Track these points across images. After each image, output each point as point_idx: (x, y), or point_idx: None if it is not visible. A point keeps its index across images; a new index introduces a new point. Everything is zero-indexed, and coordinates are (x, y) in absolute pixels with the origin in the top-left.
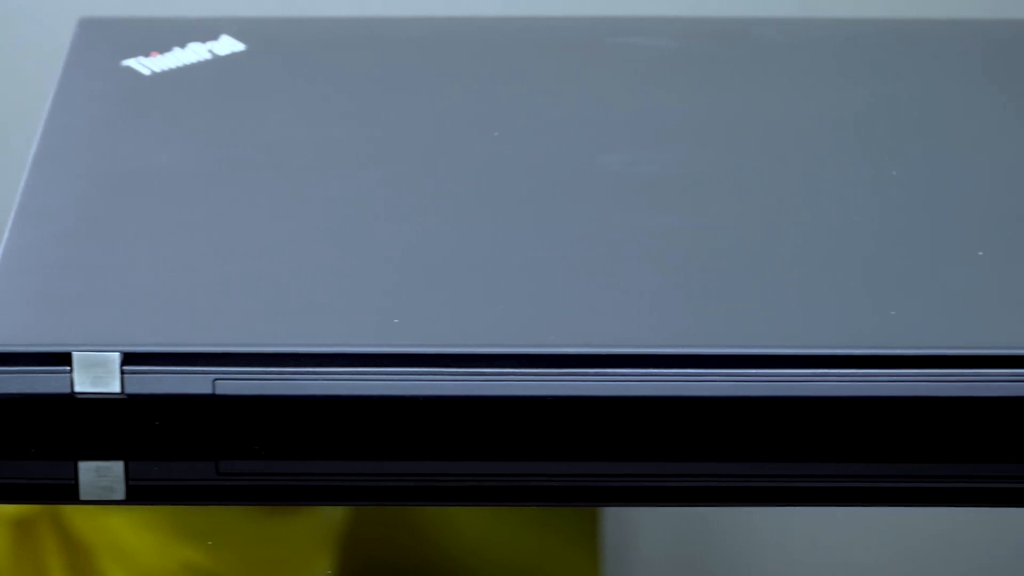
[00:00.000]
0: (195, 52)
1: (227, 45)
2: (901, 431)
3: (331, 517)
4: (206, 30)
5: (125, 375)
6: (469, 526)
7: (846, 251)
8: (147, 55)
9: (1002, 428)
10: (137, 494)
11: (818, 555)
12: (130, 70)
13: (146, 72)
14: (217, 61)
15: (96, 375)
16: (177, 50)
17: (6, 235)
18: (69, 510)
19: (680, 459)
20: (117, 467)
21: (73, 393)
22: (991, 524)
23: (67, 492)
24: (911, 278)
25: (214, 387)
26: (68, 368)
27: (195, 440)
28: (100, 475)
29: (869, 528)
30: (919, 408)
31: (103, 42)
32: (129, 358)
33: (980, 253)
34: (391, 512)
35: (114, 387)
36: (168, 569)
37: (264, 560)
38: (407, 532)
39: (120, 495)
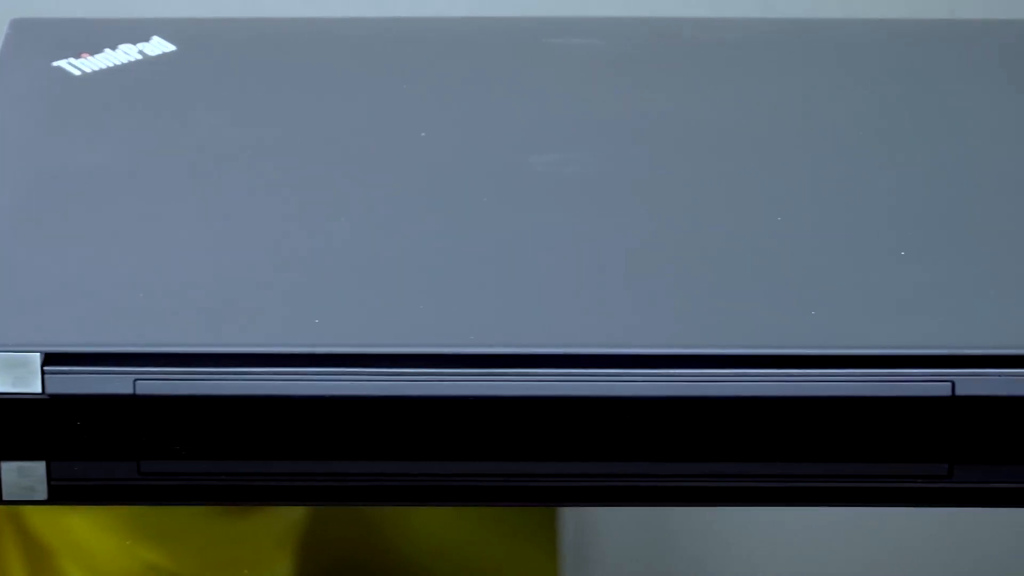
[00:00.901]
0: (126, 53)
1: (158, 46)
2: (829, 430)
3: (291, 517)
4: (137, 31)
5: (46, 375)
6: (429, 526)
7: (770, 252)
8: (78, 56)
9: (922, 427)
10: (59, 494)
11: (777, 553)
12: (61, 71)
13: (77, 73)
14: (147, 62)
15: (17, 375)
16: (108, 51)
17: None
18: (29, 511)
19: (635, 459)
20: (39, 467)
21: None
22: (908, 522)
23: None
24: (833, 278)
25: (135, 387)
26: None
27: (117, 440)
28: (22, 475)
29: (827, 526)
30: (844, 407)
31: (34, 43)
32: (50, 358)
33: (903, 253)
34: (352, 512)
35: (35, 387)
36: (129, 570)
37: (224, 560)
38: (368, 532)
39: (42, 495)
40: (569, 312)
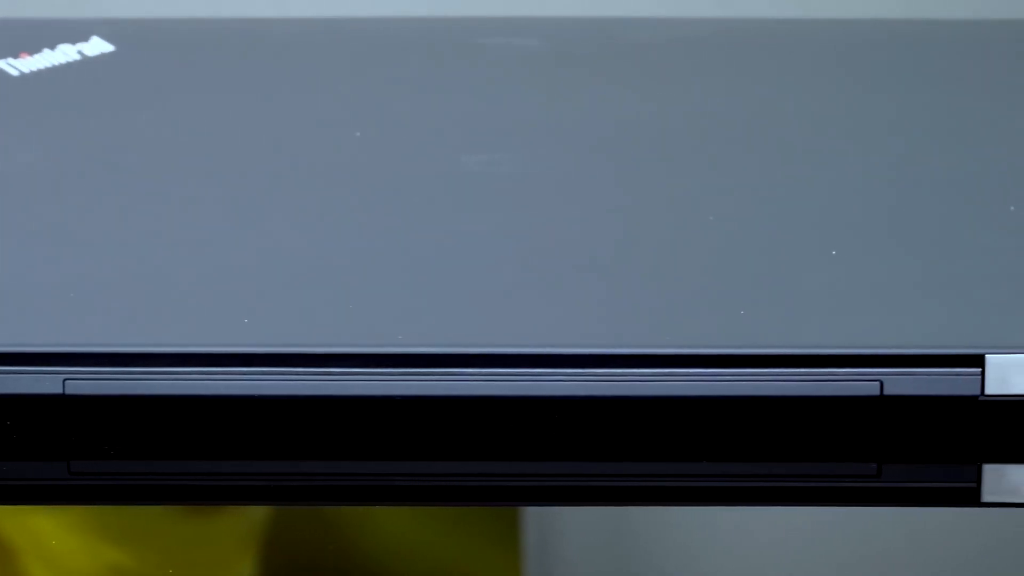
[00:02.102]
0: (64, 53)
1: (97, 46)
2: (757, 430)
3: (254, 518)
4: (76, 31)
5: None
6: (392, 526)
7: (700, 251)
8: (16, 56)
9: (850, 427)
10: None
11: (740, 553)
12: None
13: (15, 73)
14: (86, 62)
15: None
16: (47, 51)
17: None
18: None
19: (591, 459)
20: None
21: None
22: (841, 522)
23: None
24: (762, 278)
25: (64, 387)
26: None
27: (46, 440)
28: None
29: (798, 528)
30: (773, 407)
31: None
32: None
33: (833, 252)
34: (315, 513)
35: None
36: (93, 570)
37: (188, 561)
38: (331, 532)
39: None
40: (501, 311)
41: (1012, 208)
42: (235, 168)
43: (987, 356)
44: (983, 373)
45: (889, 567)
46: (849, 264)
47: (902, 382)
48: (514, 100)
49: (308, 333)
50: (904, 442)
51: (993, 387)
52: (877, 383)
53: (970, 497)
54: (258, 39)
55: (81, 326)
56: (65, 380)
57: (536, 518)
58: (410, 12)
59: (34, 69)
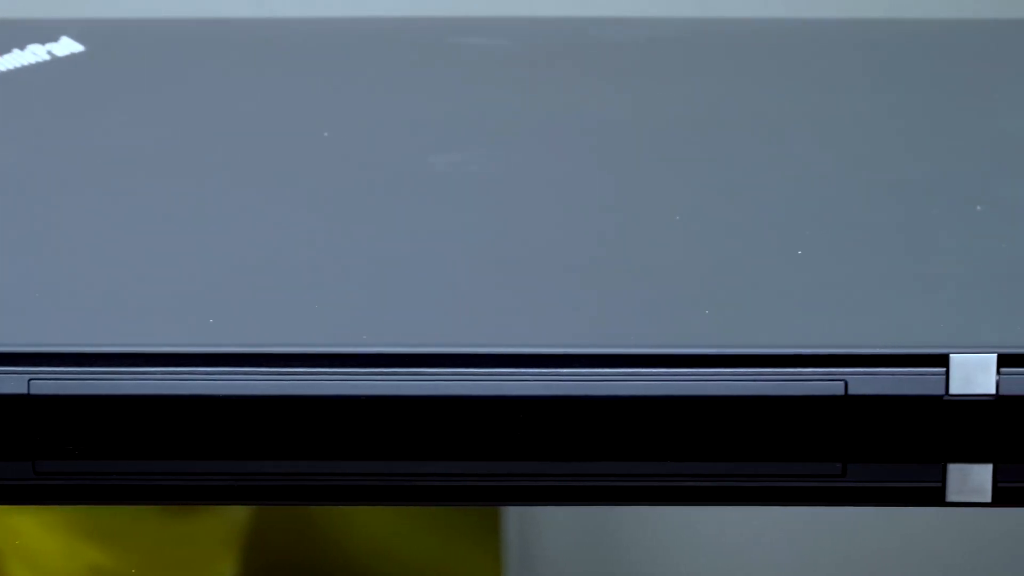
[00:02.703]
0: (34, 53)
1: (66, 47)
2: (722, 429)
3: (235, 517)
4: (46, 32)
5: None
6: (372, 526)
7: (666, 250)
8: None
9: (815, 426)
10: None
11: (719, 552)
12: None
13: None
14: (56, 62)
15: None
16: (16, 51)
17: None
18: None
19: (558, 459)
20: None
21: None
22: (801, 522)
23: None
24: (727, 277)
25: (29, 387)
26: None
27: (11, 440)
28: None
29: (773, 525)
30: (737, 407)
31: None
32: None
33: (799, 252)
34: (295, 512)
35: None
36: (73, 570)
37: (168, 561)
38: (311, 532)
39: None
40: (468, 311)
41: (979, 208)
42: (203, 168)
43: (951, 356)
44: (947, 373)
45: (856, 566)
46: (814, 264)
47: (867, 382)
48: (484, 100)
49: (273, 333)
50: (869, 442)
51: (957, 387)
52: (842, 383)
53: (935, 497)
54: (228, 39)
55: (46, 326)
56: (30, 380)
57: (516, 518)
58: (383, 12)
59: (3, 69)
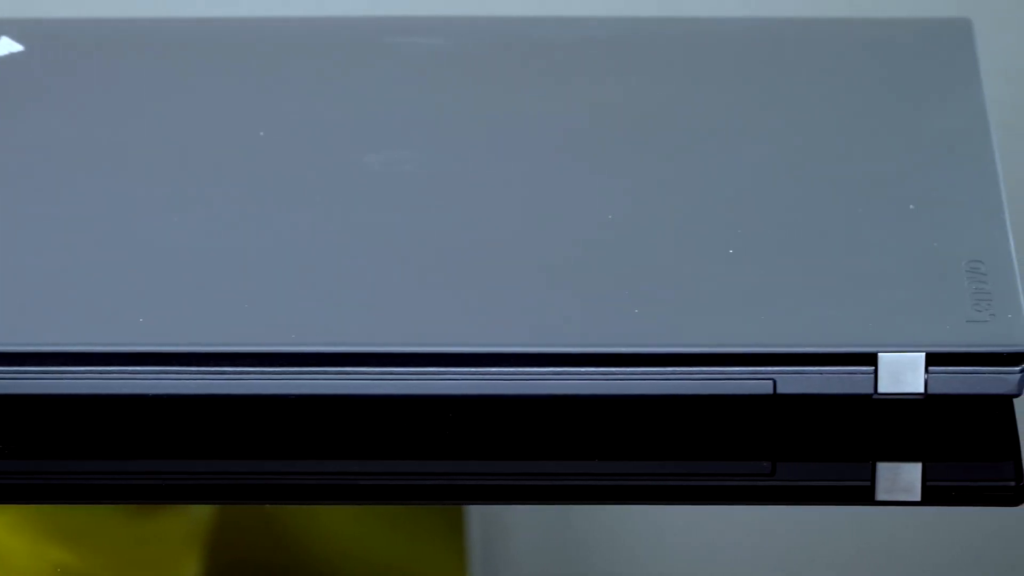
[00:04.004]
0: None
1: (6, 46)
2: (651, 428)
3: (199, 516)
4: None
5: None
6: (336, 526)
7: (594, 249)
8: None
9: (744, 425)
10: None
11: (683, 552)
12: None
13: None
14: None
15: None
16: None
17: None
18: None
19: (486, 458)
20: None
21: None
22: (736, 521)
23: None
24: (656, 276)
25: None
26: None
27: None
28: None
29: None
30: (666, 406)
31: None
32: None
33: (730, 251)
34: (259, 511)
35: None
36: (39, 570)
37: (133, 560)
38: (275, 531)
39: None
40: (397, 310)
41: (912, 207)
42: (138, 167)
43: (880, 354)
44: (876, 372)
45: (785, 565)
46: (743, 263)
47: (795, 381)
48: (420, 100)
49: (201, 332)
50: (798, 441)
51: (886, 385)
52: (770, 382)
53: (864, 495)
54: (167, 39)
55: None
56: None
57: (480, 517)
58: (322, 11)
59: None
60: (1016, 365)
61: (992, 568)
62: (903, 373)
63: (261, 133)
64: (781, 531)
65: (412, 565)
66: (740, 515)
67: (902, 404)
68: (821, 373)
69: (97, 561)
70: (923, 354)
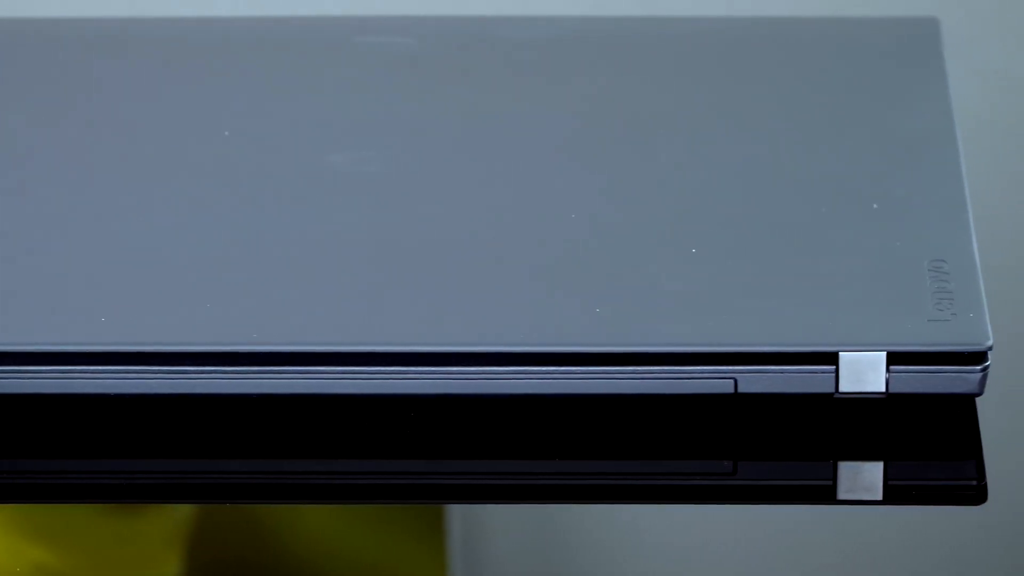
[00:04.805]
0: None
1: None
2: (613, 428)
3: (179, 516)
4: None
5: None
6: (317, 525)
7: (557, 248)
8: None
9: (705, 425)
10: None
11: (663, 552)
12: None
13: None
14: None
15: None
16: None
17: None
18: None
19: (450, 457)
20: None
21: None
22: (697, 520)
23: None
24: (618, 275)
25: None
26: None
27: None
28: None
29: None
30: (628, 405)
31: None
32: None
33: (693, 251)
34: (239, 510)
35: None
36: (18, 570)
37: (112, 560)
38: (255, 530)
39: None
40: (360, 310)
41: (875, 206)
42: (101, 167)
43: (841, 354)
44: (837, 371)
45: (747, 564)
46: (706, 262)
47: (756, 380)
48: (385, 99)
49: (165, 332)
50: (759, 440)
51: (847, 385)
52: (731, 381)
53: (826, 495)
54: (129, 39)
55: None
56: None
57: (461, 517)
58: (292, 11)
59: None
60: (977, 364)
61: (954, 566)
62: (864, 372)
63: (226, 133)
64: (743, 530)
65: (393, 564)
66: (701, 515)
67: (863, 403)
68: (782, 372)
69: (77, 561)
70: (884, 353)
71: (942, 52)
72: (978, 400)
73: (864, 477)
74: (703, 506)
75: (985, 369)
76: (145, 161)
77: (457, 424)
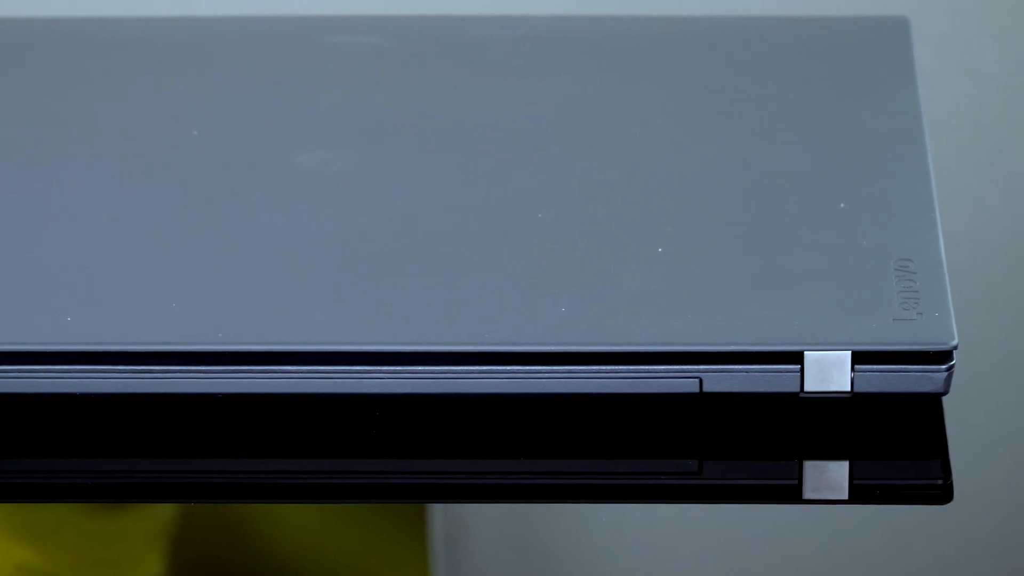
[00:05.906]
0: None
1: None
2: (577, 427)
3: (161, 515)
4: None
5: None
6: (300, 524)
7: (523, 247)
8: None
9: (671, 424)
10: None
11: (650, 551)
12: None
13: None
14: None
15: None
16: None
17: None
18: None
19: (418, 456)
20: None
21: None
22: (669, 519)
23: None
24: (582, 275)
25: None
26: None
27: None
28: None
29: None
30: (592, 404)
31: None
32: None
33: (660, 250)
34: (222, 510)
35: None
36: (1, 570)
37: (95, 559)
38: (238, 530)
39: None
40: (328, 309)
41: (842, 206)
42: (72, 166)
43: (806, 353)
44: (802, 370)
45: (712, 564)
46: (671, 261)
47: (721, 379)
48: (353, 99)
49: (130, 331)
50: (725, 439)
51: (812, 384)
52: (696, 380)
53: (792, 494)
54: (97, 38)
55: None
56: None
57: (443, 516)
58: (262, 10)
59: None
60: (942, 363)
61: (920, 565)
62: (829, 371)
63: (195, 132)
64: (708, 530)
65: (376, 563)
66: (667, 514)
67: (829, 402)
68: (747, 372)
69: (60, 560)
70: (849, 352)
71: (912, 52)
72: (944, 399)
73: (830, 476)
74: (669, 505)
75: (950, 368)
76: (113, 160)
77: (423, 424)
